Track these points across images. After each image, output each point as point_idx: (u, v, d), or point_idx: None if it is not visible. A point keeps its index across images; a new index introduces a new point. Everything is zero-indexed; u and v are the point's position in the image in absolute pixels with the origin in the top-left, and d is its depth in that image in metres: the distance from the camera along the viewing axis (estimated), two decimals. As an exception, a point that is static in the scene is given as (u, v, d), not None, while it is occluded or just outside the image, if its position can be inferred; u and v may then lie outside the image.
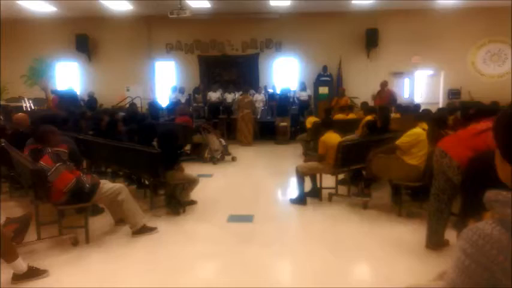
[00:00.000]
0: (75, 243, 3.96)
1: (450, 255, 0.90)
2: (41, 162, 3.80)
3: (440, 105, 11.93)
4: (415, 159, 4.45)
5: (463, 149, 3.24)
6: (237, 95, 12.19)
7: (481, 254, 0.82)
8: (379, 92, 10.62)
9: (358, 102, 11.19)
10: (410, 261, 3.55)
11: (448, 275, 0.89)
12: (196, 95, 12.84)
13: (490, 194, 0.85)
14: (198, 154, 8.51)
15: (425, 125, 5.43)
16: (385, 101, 9.63)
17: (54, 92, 11.69)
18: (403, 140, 4.55)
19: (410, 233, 4.15)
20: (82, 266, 3.55)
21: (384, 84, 10.68)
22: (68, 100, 9.65)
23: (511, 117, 0.89)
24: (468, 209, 2.23)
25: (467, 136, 3.32)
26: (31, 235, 3.86)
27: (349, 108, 9.45)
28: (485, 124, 3.27)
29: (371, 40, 12.87)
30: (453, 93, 12.78)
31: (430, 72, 13.25)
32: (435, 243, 3.66)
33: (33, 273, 3.24)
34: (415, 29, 12.65)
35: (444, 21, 12.52)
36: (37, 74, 13.11)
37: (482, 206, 1.17)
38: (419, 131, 4.56)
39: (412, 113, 5.14)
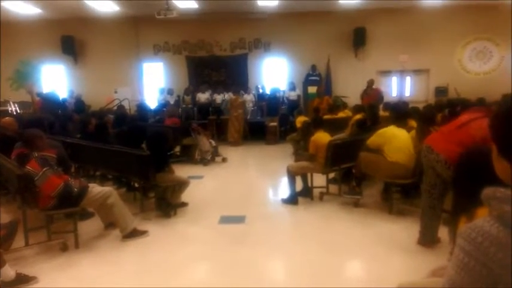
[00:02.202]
0: (64, 248, 3.89)
1: (442, 252, 0.90)
2: (28, 167, 3.73)
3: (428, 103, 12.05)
4: (397, 157, 4.47)
5: (448, 143, 3.29)
6: (226, 95, 12.16)
7: (479, 251, 0.81)
8: (365, 91, 10.71)
9: (347, 101, 11.26)
10: (402, 259, 3.57)
11: (447, 273, 0.88)
12: (185, 96, 12.77)
13: (488, 191, 0.85)
14: (188, 156, 8.47)
15: (413, 123, 5.48)
16: (372, 99, 9.71)
17: (39, 95, 11.54)
18: (371, 139, 4.68)
19: (402, 230, 4.17)
20: (72, 271, 3.50)
21: (371, 83, 10.75)
22: (52, 103, 9.51)
23: (507, 114, 0.89)
24: (460, 205, 2.25)
25: (450, 130, 3.38)
26: (19, 241, 3.77)
27: (337, 107, 9.49)
28: (467, 116, 3.32)
29: (359, 39, 12.94)
30: (440, 91, 12.92)
31: (417, 70, 13.38)
32: (428, 240, 3.69)
33: (22, 280, 3.18)
34: (402, 28, 12.76)
35: (431, 20, 12.65)
36: (23, 77, 12.92)
37: (474, 203, 1.17)
38: (389, 130, 4.64)
39: (395, 111, 5.17)
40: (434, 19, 12.63)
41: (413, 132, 4.81)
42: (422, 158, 3.58)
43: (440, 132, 3.58)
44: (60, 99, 11.32)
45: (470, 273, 0.82)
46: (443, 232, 3.56)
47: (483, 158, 1.12)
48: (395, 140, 4.54)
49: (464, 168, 2.00)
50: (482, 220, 0.85)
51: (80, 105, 12.00)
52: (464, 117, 3.31)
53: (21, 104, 12.01)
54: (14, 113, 10.67)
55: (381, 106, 8.70)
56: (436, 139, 3.48)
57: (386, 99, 10.71)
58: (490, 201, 0.85)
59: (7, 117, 6.14)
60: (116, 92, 13.36)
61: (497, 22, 12.37)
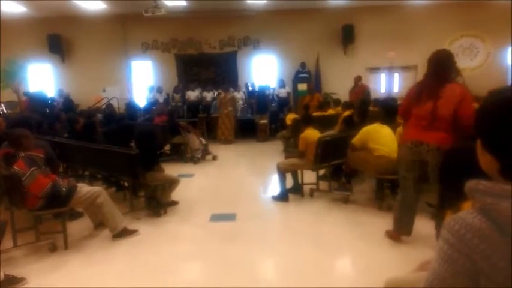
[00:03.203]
0: (53, 249, 3.86)
1: (431, 246, 0.91)
2: (15, 167, 3.68)
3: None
4: (383, 151, 4.55)
5: (434, 131, 3.36)
6: (216, 93, 12.13)
7: (462, 243, 0.83)
8: (353, 88, 10.77)
9: (336, 97, 11.30)
10: (391, 254, 3.61)
11: (431, 265, 0.90)
12: (175, 94, 12.71)
13: (471, 184, 0.86)
14: (179, 154, 8.43)
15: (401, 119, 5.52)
16: (359, 95, 9.76)
17: (26, 94, 11.38)
18: (356, 137, 4.77)
19: (391, 225, 4.21)
20: (61, 272, 3.47)
21: (358, 79, 10.82)
22: (39, 102, 9.41)
23: (491, 108, 0.90)
24: (446, 200, 2.27)
25: (421, 118, 3.43)
26: (7, 242, 3.72)
27: (326, 104, 9.53)
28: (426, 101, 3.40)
29: (347, 36, 13.00)
30: (428, 87, 13.04)
31: (405, 67, 13.49)
32: (406, 231, 3.74)
33: (10, 281, 3.14)
34: (390, 25, 12.85)
35: (418, 17, 12.78)
36: (9, 77, 12.71)
37: (460, 197, 1.18)
38: (372, 127, 4.74)
39: (384, 108, 5.22)
40: (421, 16, 12.75)
41: (400, 128, 4.87)
42: (403, 154, 3.59)
43: (415, 124, 3.55)
44: (48, 98, 11.20)
45: (454, 265, 0.84)
46: (430, 226, 3.61)
47: (468, 152, 1.14)
48: (379, 136, 4.63)
49: (450, 163, 2.02)
50: (466, 212, 0.86)
51: (68, 104, 11.87)
52: (425, 103, 3.39)
53: (8, 104, 11.85)
54: (1, 113, 10.52)
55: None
56: (418, 131, 3.48)
57: (375, 95, 10.77)
58: (473, 193, 0.86)
59: None
60: (104, 91, 13.23)
61: (484, 19, 12.53)
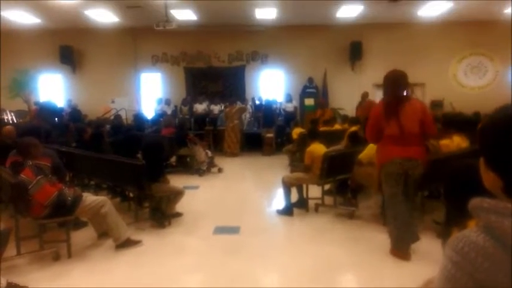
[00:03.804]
0: (56, 258, 3.86)
1: (436, 264, 0.90)
2: (22, 175, 3.72)
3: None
4: None
5: (417, 147, 3.59)
6: (223, 106, 12.21)
7: (466, 261, 0.81)
8: (360, 103, 10.78)
9: (343, 113, 11.32)
10: (395, 271, 3.55)
11: (434, 284, 0.88)
12: (183, 107, 12.81)
13: (475, 202, 0.86)
14: (184, 166, 8.45)
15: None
16: (366, 111, 9.74)
17: (36, 103, 11.55)
18: (364, 152, 4.81)
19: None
20: (64, 281, 3.46)
21: (365, 96, 10.84)
22: (48, 112, 9.52)
23: (494, 126, 0.90)
24: (452, 218, 2.26)
25: (394, 136, 3.59)
26: (10, 250, 3.74)
27: (333, 119, 9.53)
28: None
29: (355, 53, 13.08)
30: (436, 105, 13.01)
31: (413, 84, 13.48)
32: (399, 249, 3.75)
33: (12, 289, 3.14)
34: (398, 42, 12.92)
35: (426, 35, 12.82)
36: (20, 86, 12.92)
37: (466, 215, 1.18)
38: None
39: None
40: (429, 34, 12.80)
41: None
42: (394, 171, 3.63)
43: (391, 142, 3.62)
44: (58, 108, 11.34)
45: (456, 284, 0.82)
46: (437, 244, 3.56)
47: (473, 169, 1.13)
48: None
49: (456, 180, 2.01)
50: (469, 230, 0.85)
51: (75, 114, 12.00)
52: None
53: (18, 113, 12.01)
54: (11, 122, 10.66)
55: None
56: (402, 148, 3.57)
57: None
58: (477, 211, 0.85)
59: (8, 126, 6.17)
60: (113, 102, 13.39)
61: (492, 38, 12.56)
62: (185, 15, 11.53)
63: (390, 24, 12.70)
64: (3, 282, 3.10)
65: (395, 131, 3.55)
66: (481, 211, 0.84)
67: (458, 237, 0.85)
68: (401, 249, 3.74)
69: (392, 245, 3.81)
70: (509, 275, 0.77)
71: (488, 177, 0.90)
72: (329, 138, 6.47)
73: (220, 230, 4.71)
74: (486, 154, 0.91)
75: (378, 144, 3.83)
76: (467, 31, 12.74)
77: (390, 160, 3.64)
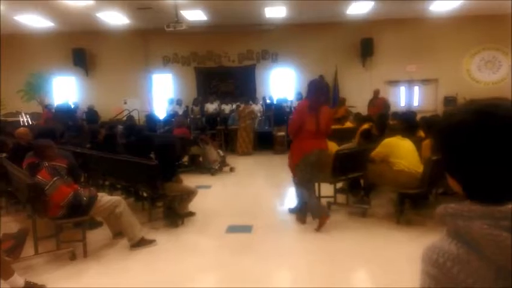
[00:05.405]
0: (72, 257, 3.93)
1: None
2: (38, 177, 3.79)
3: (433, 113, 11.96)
4: (403, 165, 4.48)
5: (322, 139, 4.62)
6: (234, 106, 12.23)
7: (442, 273, 0.79)
8: (371, 101, 10.70)
9: (354, 111, 11.22)
10: (408, 268, 3.52)
11: None
12: (194, 107, 12.87)
13: (439, 209, 0.82)
14: (196, 165, 8.50)
15: (422, 133, 5.46)
16: (378, 109, 9.67)
17: (47, 106, 11.77)
18: (376, 150, 4.76)
19: (410, 240, 4.13)
20: (80, 280, 3.53)
21: (377, 93, 10.76)
22: (63, 114, 9.68)
23: (445, 133, 0.86)
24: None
25: (312, 132, 4.45)
26: (28, 250, 3.83)
27: (344, 117, 9.45)
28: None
29: (366, 49, 12.98)
30: (449, 101, 12.85)
31: (425, 80, 13.33)
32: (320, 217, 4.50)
33: (31, 288, 3.21)
34: (410, 38, 12.78)
35: (438, 30, 12.64)
36: (34, 89, 13.15)
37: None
38: (393, 140, 4.69)
39: (405, 122, 5.21)
40: (441, 29, 12.61)
41: (427, 141, 4.82)
42: (312, 159, 4.45)
43: (309, 136, 4.45)
44: (72, 109, 11.54)
45: None
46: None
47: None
48: (400, 150, 4.56)
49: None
50: (441, 240, 0.82)
51: (92, 115, 12.18)
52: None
53: (33, 115, 12.23)
54: (26, 124, 10.87)
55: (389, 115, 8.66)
56: (318, 141, 4.54)
57: (394, 109, 10.68)
58: (442, 218, 0.82)
59: (22, 128, 6.29)
60: (125, 103, 13.54)
61: (506, 32, 12.31)
62: (195, 15, 11.57)
63: (401, 20, 12.56)
64: (21, 282, 3.17)
65: (310, 127, 4.38)
66: (448, 217, 0.81)
67: (430, 249, 0.82)
68: (317, 216, 4.57)
69: (314, 215, 4.62)
70: (487, 280, 0.75)
71: (451, 180, 0.87)
72: (340, 136, 6.44)
73: (233, 229, 4.74)
74: (443, 160, 0.89)
75: (297, 138, 4.55)
76: (480, 25, 12.52)
77: (310, 151, 4.44)
